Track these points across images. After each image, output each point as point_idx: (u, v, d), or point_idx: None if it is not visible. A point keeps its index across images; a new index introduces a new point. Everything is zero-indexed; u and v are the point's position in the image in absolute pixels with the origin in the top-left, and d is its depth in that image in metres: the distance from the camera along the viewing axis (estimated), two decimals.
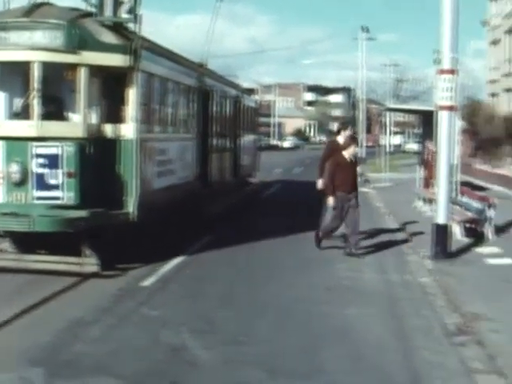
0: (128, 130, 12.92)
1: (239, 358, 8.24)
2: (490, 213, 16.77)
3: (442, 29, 14.25)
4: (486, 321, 9.76)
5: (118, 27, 13.19)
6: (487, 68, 60.22)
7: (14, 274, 12.04)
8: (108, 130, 12.91)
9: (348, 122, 29.76)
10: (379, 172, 38.71)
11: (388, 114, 44.06)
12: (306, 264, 14.08)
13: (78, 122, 12.55)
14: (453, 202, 16.43)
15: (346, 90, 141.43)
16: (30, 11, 12.70)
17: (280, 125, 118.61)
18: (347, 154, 14.87)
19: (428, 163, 21.94)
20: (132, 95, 12.95)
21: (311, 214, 20.23)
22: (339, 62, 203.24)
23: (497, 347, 8.60)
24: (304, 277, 12.87)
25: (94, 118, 12.93)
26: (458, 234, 16.31)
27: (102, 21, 13.02)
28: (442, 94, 14.20)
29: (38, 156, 12.11)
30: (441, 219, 14.30)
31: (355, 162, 15.22)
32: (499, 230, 17.24)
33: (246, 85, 52.54)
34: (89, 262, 12.06)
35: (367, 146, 62.71)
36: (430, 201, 19.94)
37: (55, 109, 12.83)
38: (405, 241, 16.72)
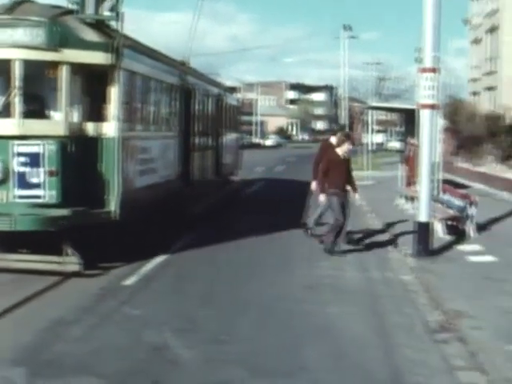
0: (110, 128, 12.87)
1: (221, 357, 8.23)
2: (472, 210, 16.85)
3: (423, 27, 14.30)
4: (468, 318, 9.80)
5: (99, 25, 13.15)
6: (469, 67, 60.52)
7: None
8: (90, 128, 12.86)
9: (344, 127, 29.67)
10: (361, 170, 38.77)
11: (370, 112, 44.18)
12: (288, 262, 14.09)
13: (60, 120, 12.50)
14: (435, 199, 16.49)
15: (328, 89, 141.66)
16: (11, 9, 12.63)
17: (262, 123, 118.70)
18: (341, 151, 14.83)
19: (410, 160, 21.98)
20: (114, 93, 12.91)
21: (293, 212, 20.23)
22: (321, 60, 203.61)
23: (478, 344, 8.64)
24: (286, 275, 12.87)
25: (75, 117, 12.87)
26: (439, 231, 16.38)
27: (83, 18, 12.98)
28: (424, 93, 14.24)
29: (20, 154, 12.04)
30: (423, 217, 14.35)
31: (348, 159, 15.16)
32: (480, 227, 17.33)
33: (228, 83, 52.54)
34: (71, 261, 12.01)
35: None
36: (412, 199, 19.99)
37: (37, 107, 12.76)
38: (387, 239, 16.75)
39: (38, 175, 12.04)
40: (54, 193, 12.07)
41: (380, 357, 8.35)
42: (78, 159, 12.50)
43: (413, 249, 14.47)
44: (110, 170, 12.79)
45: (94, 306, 10.37)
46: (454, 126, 40.60)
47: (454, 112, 42.36)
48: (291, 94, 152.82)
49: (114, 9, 12.92)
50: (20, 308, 10.16)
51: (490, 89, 51.32)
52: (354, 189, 15.25)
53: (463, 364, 8.08)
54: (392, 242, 16.18)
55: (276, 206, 23.77)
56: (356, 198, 15.78)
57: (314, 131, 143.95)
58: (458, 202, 17.67)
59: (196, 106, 20.34)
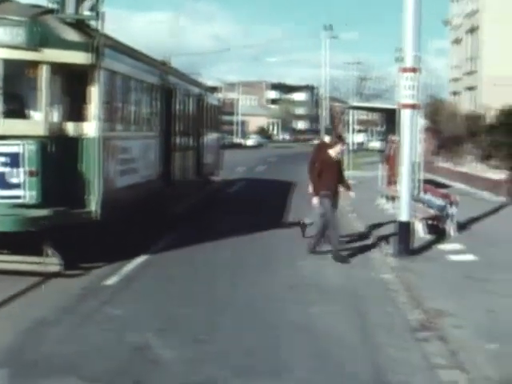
0: (90, 128, 12.83)
1: (202, 357, 8.22)
2: (452, 210, 16.93)
3: (404, 27, 14.35)
4: (449, 317, 9.84)
5: (80, 25, 13.09)
6: (449, 67, 60.82)
7: None
8: (70, 128, 12.81)
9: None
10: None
11: (351, 112, 44.27)
12: (269, 262, 14.10)
13: (40, 120, 12.44)
14: (415, 199, 16.55)
15: (309, 88, 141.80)
16: None
17: (243, 123, 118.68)
18: (333, 152, 14.61)
19: (390, 159, 22.02)
20: (94, 93, 12.86)
21: (274, 212, 20.27)
22: (303, 60, 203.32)
23: (459, 343, 8.68)
24: (267, 275, 12.87)
25: (55, 116, 12.82)
26: (420, 231, 16.45)
27: (63, 18, 12.92)
28: (405, 93, 14.29)
29: None
30: (403, 216, 14.39)
31: (340, 160, 15.03)
32: (461, 226, 17.42)
33: (209, 83, 52.51)
34: (51, 262, 11.96)
35: None
36: (393, 198, 20.06)
37: (16, 107, 12.70)
38: (368, 238, 16.79)
39: (18, 175, 11.97)
40: (34, 193, 12.01)
41: (362, 356, 8.37)
42: (59, 159, 12.45)
43: (394, 248, 14.51)
44: (90, 170, 12.74)
45: (75, 307, 10.34)
46: (435, 125, 40.76)
47: (435, 112, 42.53)
48: (272, 94, 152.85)
49: (94, 8, 12.86)
50: (1, 309, 10.10)
51: (471, 89, 51.57)
52: (348, 187, 15.25)
53: (444, 362, 8.12)
54: (373, 241, 16.21)
55: (257, 206, 23.78)
56: (351, 195, 15.69)
57: (295, 131, 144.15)
58: (438, 202, 17.74)
59: (177, 106, 20.31)
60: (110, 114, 14.02)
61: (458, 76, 56.33)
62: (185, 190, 21.49)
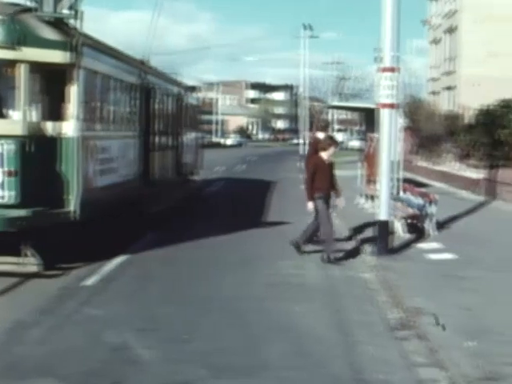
0: (69, 127, 12.77)
1: (182, 356, 8.21)
2: (431, 209, 17.00)
3: (383, 28, 14.38)
4: (428, 315, 9.87)
5: (58, 23, 13.02)
6: (428, 66, 61.11)
7: None
8: (49, 127, 12.74)
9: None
10: None
11: (330, 111, 44.39)
12: (249, 261, 14.10)
13: (18, 119, 12.35)
14: (395, 198, 16.60)
15: (288, 88, 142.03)
16: None
17: (223, 122, 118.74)
18: (326, 155, 14.33)
19: (369, 158, 22.07)
20: (73, 92, 12.81)
21: (254, 212, 20.27)
22: (282, 59, 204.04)
23: (438, 341, 8.71)
24: (247, 274, 12.88)
25: (34, 116, 12.75)
26: (399, 230, 16.50)
27: (42, 16, 12.84)
28: (384, 92, 14.32)
29: None
30: (383, 216, 14.43)
31: (332, 163, 14.62)
32: (440, 225, 17.50)
33: (189, 82, 52.36)
34: (30, 262, 11.90)
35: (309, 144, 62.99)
36: (372, 197, 20.12)
37: None
38: (347, 237, 16.82)
39: None
40: (13, 193, 11.95)
41: (341, 354, 8.38)
42: (38, 159, 12.37)
43: (373, 247, 14.55)
44: (69, 169, 12.68)
45: (53, 307, 10.29)
46: (414, 125, 40.93)
47: (414, 111, 42.72)
48: (252, 94, 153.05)
49: (72, 7, 12.81)
50: None
51: (449, 88, 51.84)
52: (338, 193, 14.73)
53: (423, 360, 8.15)
54: (352, 240, 16.25)
55: (237, 205, 23.78)
56: (341, 203, 14.97)
57: (274, 130, 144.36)
58: (417, 201, 17.81)
59: (156, 106, 20.26)
60: (89, 114, 13.96)
61: (436, 76, 56.63)
62: (164, 190, 21.43)
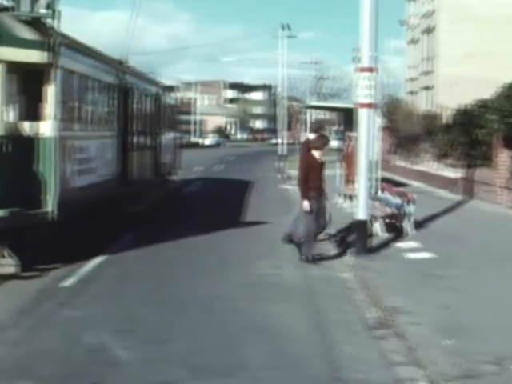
0: (46, 127, 12.71)
1: (161, 357, 8.19)
2: (409, 208, 17.06)
3: (361, 27, 14.41)
4: (406, 314, 9.91)
5: (36, 23, 12.94)
6: (406, 66, 61.34)
7: None
8: (26, 127, 12.67)
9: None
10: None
11: (308, 111, 44.43)
12: (227, 261, 14.09)
13: None
14: (373, 198, 16.65)
15: (266, 88, 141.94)
16: None
17: (201, 122, 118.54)
18: (318, 154, 14.32)
19: (348, 157, 22.10)
20: (51, 92, 12.75)
21: (232, 212, 20.26)
22: (260, 59, 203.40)
23: (416, 339, 8.74)
24: (225, 274, 12.86)
25: (11, 116, 12.67)
26: (378, 229, 16.54)
27: (19, 16, 12.77)
28: (362, 92, 14.35)
29: None
30: (361, 215, 14.46)
31: (324, 162, 14.58)
32: (418, 224, 17.57)
33: (167, 82, 52.25)
34: (7, 263, 11.83)
35: (288, 143, 63.28)
36: (350, 197, 20.16)
37: None
38: (325, 237, 16.82)
39: None
40: None
41: (319, 354, 8.39)
42: (15, 159, 12.30)
43: (351, 247, 14.57)
44: (46, 170, 12.62)
45: (31, 309, 10.23)
46: (392, 124, 41.04)
47: (392, 111, 42.82)
48: (230, 93, 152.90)
49: (50, 6, 12.76)
50: None
51: (427, 88, 52.09)
52: (325, 195, 14.65)
53: (401, 359, 8.17)
54: (331, 242, 16.26)
55: (215, 205, 23.76)
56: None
57: (252, 130, 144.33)
58: (395, 200, 17.88)
59: (134, 105, 20.22)
60: (67, 114, 13.90)
61: (414, 76, 56.87)
62: (142, 190, 21.40)
